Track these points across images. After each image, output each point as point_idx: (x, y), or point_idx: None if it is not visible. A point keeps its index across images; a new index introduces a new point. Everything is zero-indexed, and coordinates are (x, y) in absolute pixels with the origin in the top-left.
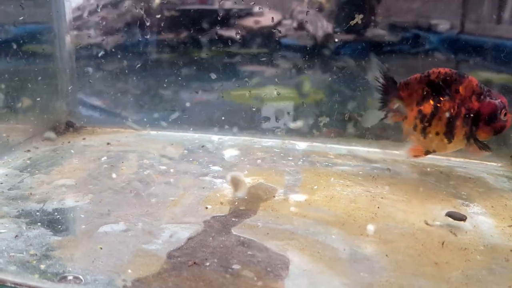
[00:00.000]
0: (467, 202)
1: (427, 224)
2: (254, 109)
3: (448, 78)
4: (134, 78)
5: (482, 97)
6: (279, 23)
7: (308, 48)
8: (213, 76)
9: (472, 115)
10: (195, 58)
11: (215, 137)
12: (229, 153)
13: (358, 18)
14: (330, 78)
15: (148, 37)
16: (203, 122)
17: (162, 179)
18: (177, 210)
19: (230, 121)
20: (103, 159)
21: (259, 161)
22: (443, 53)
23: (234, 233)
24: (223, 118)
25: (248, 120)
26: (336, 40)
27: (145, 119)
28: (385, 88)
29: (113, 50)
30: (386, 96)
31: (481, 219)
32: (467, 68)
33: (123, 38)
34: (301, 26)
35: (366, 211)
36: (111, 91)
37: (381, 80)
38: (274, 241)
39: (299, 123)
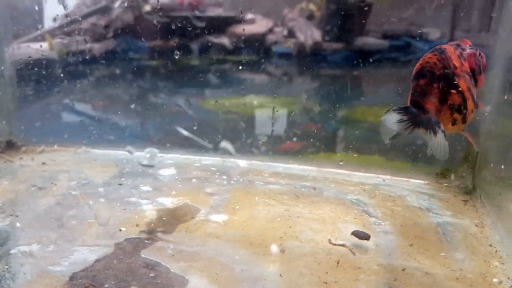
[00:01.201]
0: (379, 221)
1: (330, 243)
2: (195, 128)
3: (442, 63)
4: (79, 95)
5: (461, 55)
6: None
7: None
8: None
9: (471, 74)
10: (139, 74)
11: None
12: (165, 172)
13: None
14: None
15: (93, 52)
16: (144, 140)
17: (87, 200)
18: (92, 232)
19: (171, 139)
20: (34, 179)
21: (193, 180)
22: None
23: (142, 255)
24: (164, 136)
25: (188, 138)
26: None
27: (85, 138)
28: (411, 117)
29: (59, 65)
30: (421, 119)
31: (386, 238)
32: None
33: (71, 51)
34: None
35: (278, 231)
36: (54, 108)
37: (402, 117)
38: (179, 263)
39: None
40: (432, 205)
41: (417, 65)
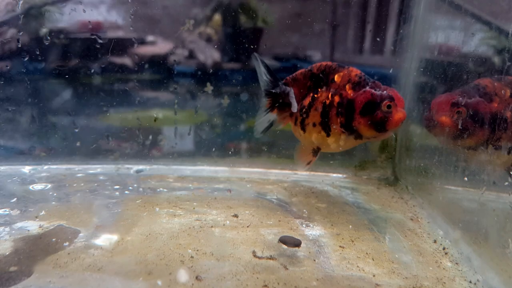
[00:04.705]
0: (307, 222)
1: (255, 256)
2: (77, 130)
3: (327, 69)
4: None
5: (359, 86)
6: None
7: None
8: None
9: (345, 104)
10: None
11: (26, 168)
12: (36, 188)
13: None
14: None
15: None
16: (11, 151)
17: None
18: None
19: (47, 147)
20: None
21: (74, 194)
22: None
23: None
24: (36, 146)
25: (69, 146)
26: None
27: None
28: (273, 84)
29: None
30: (271, 96)
31: (319, 242)
32: None
33: None
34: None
35: (187, 248)
36: None
37: (268, 76)
38: None
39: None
40: (357, 200)
41: None
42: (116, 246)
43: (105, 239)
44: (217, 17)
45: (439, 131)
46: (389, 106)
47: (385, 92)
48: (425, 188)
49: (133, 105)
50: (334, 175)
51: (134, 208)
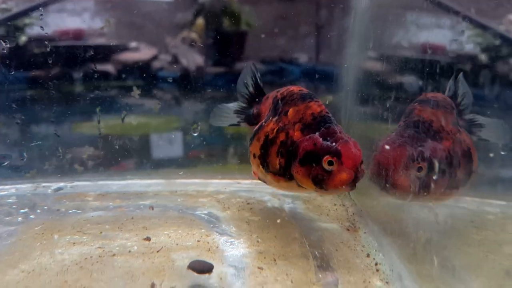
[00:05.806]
0: (232, 239)
1: None
2: None
3: (287, 98)
4: None
5: (309, 129)
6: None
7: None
8: None
9: (289, 145)
10: None
11: None
12: None
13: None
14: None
15: None
16: None
17: None
18: None
19: None
20: None
21: None
22: (304, 81)
23: None
24: None
25: None
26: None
27: None
28: (251, 98)
29: None
30: (248, 106)
31: (238, 264)
32: (322, 93)
33: None
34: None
35: (73, 287)
36: None
37: (250, 88)
38: None
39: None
40: (296, 209)
41: None
42: None
43: None
44: (200, 21)
45: (394, 192)
46: (330, 163)
47: (334, 144)
48: (365, 193)
49: (50, 116)
50: None
51: (30, 237)
